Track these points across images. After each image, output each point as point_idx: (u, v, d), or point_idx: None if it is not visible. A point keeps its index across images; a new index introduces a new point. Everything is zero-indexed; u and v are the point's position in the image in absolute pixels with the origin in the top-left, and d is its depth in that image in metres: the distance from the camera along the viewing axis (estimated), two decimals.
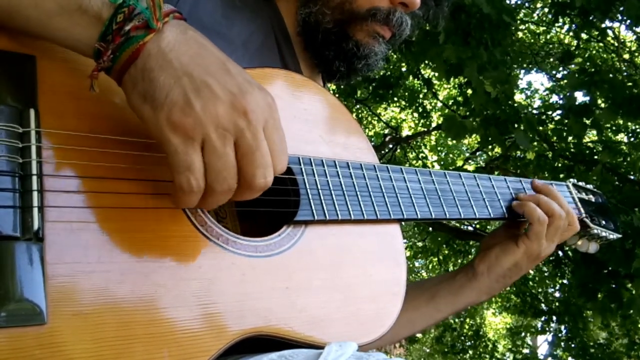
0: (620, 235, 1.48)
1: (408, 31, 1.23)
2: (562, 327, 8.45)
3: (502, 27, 4.16)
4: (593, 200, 1.50)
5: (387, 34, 1.21)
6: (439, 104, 9.47)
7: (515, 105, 4.60)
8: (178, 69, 0.72)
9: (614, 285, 5.40)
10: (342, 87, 7.43)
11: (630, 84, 5.55)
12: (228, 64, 0.76)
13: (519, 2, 7.94)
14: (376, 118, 10.63)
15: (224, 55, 0.77)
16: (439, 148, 11.58)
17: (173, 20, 0.75)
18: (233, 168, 0.74)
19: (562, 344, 8.43)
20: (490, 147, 7.90)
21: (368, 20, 1.17)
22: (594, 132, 6.41)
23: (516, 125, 4.74)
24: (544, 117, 6.28)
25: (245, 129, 0.73)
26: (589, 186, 1.54)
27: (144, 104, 0.72)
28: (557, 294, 8.97)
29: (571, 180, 1.51)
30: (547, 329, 9.37)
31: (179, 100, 0.71)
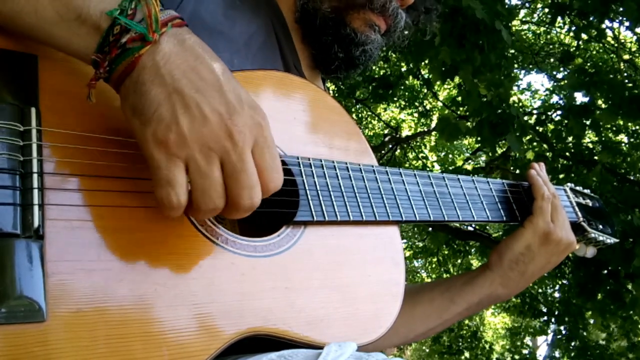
0: (617, 240, 1.48)
1: (402, 25, 1.24)
2: (562, 328, 8.45)
3: (497, 30, 4.17)
4: (590, 204, 1.50)
5: (383, 25, 1.22)
6: (439, 104, 9.47)
7: (508, 111, 4.60)
8: (169, 85, 0.71)
9: (612, 286, 5.41)
10: (341, 87, 7.42)
11: (630, 84, 5.56)
12: (222, 79, 0.74)
13: (519, 3, 7.93)
14: (376, 118, 10.63)
15: (221, 66, 0.76)
16: (439, 148, 11.58)
17: (171, 30, 0.75)
18: (219, 187, 0.73)
19: (563, 343, 8.43)
20: (490, 147, 7.91)
21: (365, 8, 1.19)
22: (594, 132, 6.42)
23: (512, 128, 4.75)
24: (543, 117, 6.29)
25: (230, 150, 0.72)
26: (586, 191, 1.55)
27: (134, 117, 0.73)
28: (556, 294, 8.97)
29: (568, 184, 1.51)
30: (545, 329, 9.38)
31: (166, 117, 0.70)
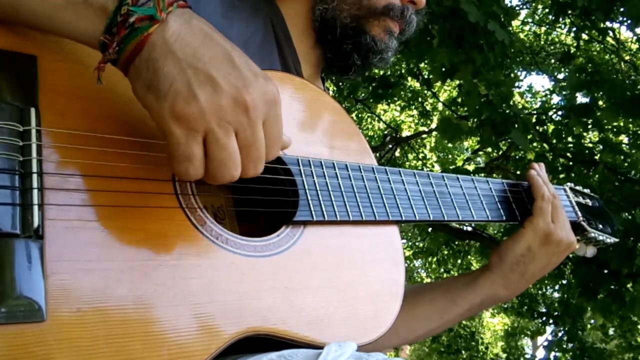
0: (617, 240, 1.48)
1: (413, 29, 1.27)
2: (561, 329, 8.44)
3: (493, 32, 4.17)
4: (590, 204, 1.50)
5: (397, 29, 1.24)
6: (440, 105, 9.47)
7: (508, 111, 4.61)
8: (182, 60, 0.72)
9: (614, 286, 5.40)
10: (341, 87, 7.42)
11: (630, 84, 5.55)
12: (233, 54, 0.76)
13: (519, 3, 7.93)
14: (376, 118, 10.63)
15: (230, 44, 0.78)
16: (439, 149, 11.57)
17: (177, 10, 0.75)
18: (237, 158, 0.75)
19: (563, 345, 8.42)
20: (491, 148, 7.91)
21: (384, 16, 1.21)
22: (594, 132, 6.42)
23: (513, 127, 4.76)
24: (543, 117, 6.29)
25: (245, 124, 0.74)
26: (586, 190, 1.54)
27: (148, 94, 0.73)
28: (555, 294, 8.96)
29: (568, 184, 1.50)
30: (541, 331, 9.38)
31: (182, 91, 0.71)
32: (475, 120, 5.05)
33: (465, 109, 5.65)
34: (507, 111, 4.63)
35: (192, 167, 0.74)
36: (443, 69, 4.55)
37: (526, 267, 1.30)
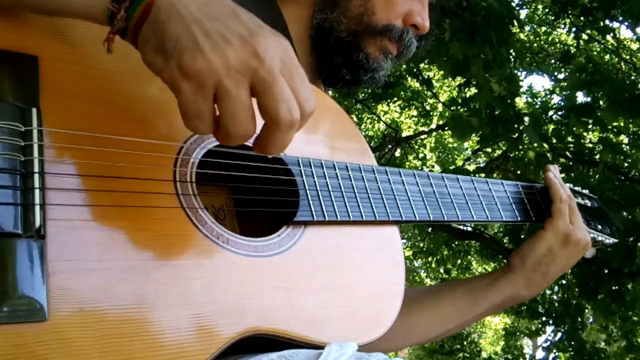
0: (616, 240, 1.50)
1: (412, 53, 1.27)
2: (560, 329, 8.43)
3: (509, 23, 4.17)
4: (589, 204, 1.51)
5: (395, 51, 1.24)
6: (439, 105, 9.47)
7: (519, 108, 4.62)
8: (187, 18, 0.72)
9: (615, 287, 5.40)
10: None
11: (630, 84, 5.55)
12: (238, 10, 0.75)
13: (520, 2, 7.93)
14: (376, 118, 10.63)
15: (233, 3, 0.77)
16: (439, 148, 11.57)
17: None
18: (248, 110, 0.72)
19: (562, 345, 8.41)
20: (491, 148, 7.91)
21: (382, 36, 1.21)
22: (594, 132, 6.41)
23: (518, 125, 4.76)
24: (543, 117, 6.28)
25: (258, 68, 0.71)
26: (585, 191, 1.56)
27: (157, 57, 0.72)
28: (555, 295, 8.96)
29: (568, 185, 1.51)
30: (541, 332, 9.37)
31: (188, 47, 0.70)
32: (476, 118, 5.04)
33: (466, 109, 5.64)
34: (511, 112, 4.64)
35: (203, 124, 0.73)
36: (453, 65, 4.54)
37: (547, 267, 1.32)
